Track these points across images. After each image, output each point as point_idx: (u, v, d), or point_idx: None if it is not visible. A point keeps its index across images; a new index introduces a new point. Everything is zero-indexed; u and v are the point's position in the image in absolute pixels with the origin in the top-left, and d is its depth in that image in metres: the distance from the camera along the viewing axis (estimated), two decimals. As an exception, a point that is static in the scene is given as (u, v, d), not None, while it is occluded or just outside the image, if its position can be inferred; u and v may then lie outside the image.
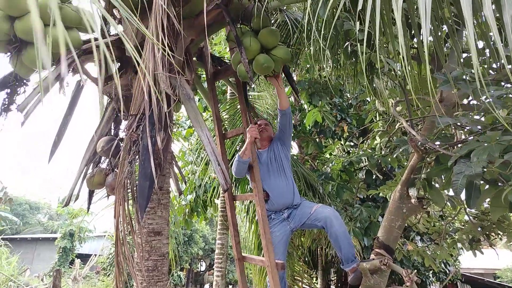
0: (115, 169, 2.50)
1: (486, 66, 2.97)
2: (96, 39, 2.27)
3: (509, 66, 3.14)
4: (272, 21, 3.71)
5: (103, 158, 2.66)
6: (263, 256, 2.75)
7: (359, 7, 1.40)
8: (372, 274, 2.67)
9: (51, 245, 20.55)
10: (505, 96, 2.15)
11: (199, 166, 6.33)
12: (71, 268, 16.97)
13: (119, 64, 2.54)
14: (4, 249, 14.86)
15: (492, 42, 2.11)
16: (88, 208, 2.83)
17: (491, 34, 2.13)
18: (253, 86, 5.31)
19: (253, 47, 2.44)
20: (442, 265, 7.73)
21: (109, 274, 15.42)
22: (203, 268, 23.03)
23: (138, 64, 2.07)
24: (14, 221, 26.45)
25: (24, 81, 2.04)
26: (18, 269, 16.04)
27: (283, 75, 2.88)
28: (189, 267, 19.64)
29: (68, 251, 18.19)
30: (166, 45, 1.93)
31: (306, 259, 8.05)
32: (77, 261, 15.48)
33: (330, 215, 2.67)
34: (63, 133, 2.47)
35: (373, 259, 2.72)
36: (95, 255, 16.32)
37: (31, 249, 23.10)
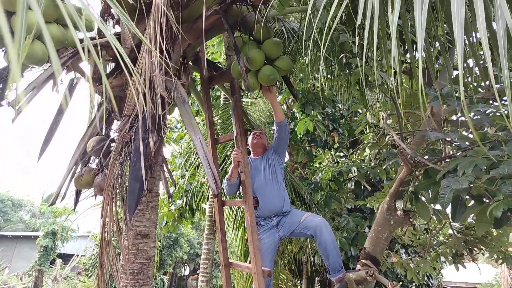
0: (105, 170, 2.48)
1: (475, 84, 3.04)
2: (93, 38, 2.26)
3: (497, 86, 3.23)
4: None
5: (92, 157, 2.63)
6: (249, 262, 2.74)
7: (358, 22, 1.43)
8: (357, 285, 2.68)
9: (32, 243, 20.11)
10: (492, 114, 2.21)
11: (188, 170, 6.29)
12: (51, 267, 16.62)
13: (114, 64, 2.53)
14: (-17, 246, 14.50)
15: (482, 61, 2.17)
16: (75, 208, 2.79)
17: (481, 53, 2.19)
18: (248, 93, 5.33)
19: (259, 59, 2.46)
20: (425, 278, 7.82)
21: (90, 275, 15.14)
22: (186, 273, 22.77)
23: (135, 65, 2.06)
24: (-5, 218, 25.86)
25: (18, 76, 2.01)
26: (-3, 267, 15.65)
27: (283, 82, 2.91)
28: (172, 271, 19.41)
29: (50, 250, 17.83)
30: (163, 48, 1.93)
31: (292, 267, 8.05)
32: (58, 260, 15.18)
33: (320, 224, 2.68)
34: (54, 131, 2.44)
35: (359, 269, 2.74)
36: (77, 255, 16.02)
37: (11, 246, 22.57)
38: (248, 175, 2.82)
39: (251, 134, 3.21)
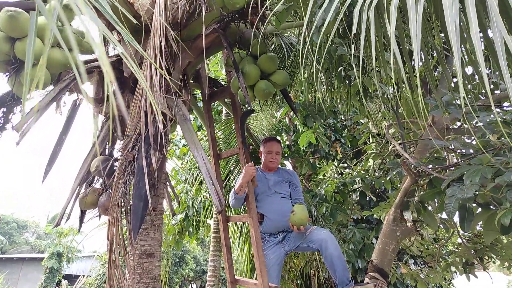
0: (109, 189, 2.48)
1: (476, 91, 3.04)
2: (95, 60, 2.30)
3: (497, 92, 3.23)
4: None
5: (96, 177, 2.64)
6: (256, 279, 2.71)
7: (353, 31, 1.45)
8: (366, 298, 2.64)
9: (38, 265, 19.98)
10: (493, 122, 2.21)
11: (193, 185, 6.28)
12: (57, 289, 16.48)
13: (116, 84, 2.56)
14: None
15: (480, 69, 2.18)
16: (80, 229, 2.79)
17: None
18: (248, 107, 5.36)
19: (253, 74, 2.49)
20: (436, 288, 7.68)
21: (96, 296, 14.98)
22: (193, 291, 22.48)
23: (136, 84, 2.09)
24: (1, 240, 25.80)
25: (21, 100, 2.05)
26: (3, 290, 15.53)
27: (283, 96, 2.93)
28: (179, 289, 19.18)
29: (55, 272, 17.68)
30: (163, 67, 1.96)
31: (299, 281, 7.93)
32: (64, 282, 15.05)
33: (326, 238, 2.65)
34: (58, 152, 2.46)
35: (368, 283, 2.70)
36: (83, 276, 15.89)
37: (17, 269, 22.43)
38: (252, 190, 2.81)
39: (266, 147, 3.05)
